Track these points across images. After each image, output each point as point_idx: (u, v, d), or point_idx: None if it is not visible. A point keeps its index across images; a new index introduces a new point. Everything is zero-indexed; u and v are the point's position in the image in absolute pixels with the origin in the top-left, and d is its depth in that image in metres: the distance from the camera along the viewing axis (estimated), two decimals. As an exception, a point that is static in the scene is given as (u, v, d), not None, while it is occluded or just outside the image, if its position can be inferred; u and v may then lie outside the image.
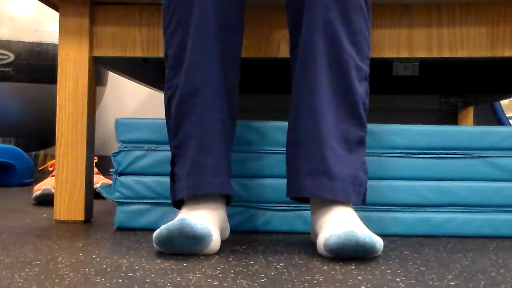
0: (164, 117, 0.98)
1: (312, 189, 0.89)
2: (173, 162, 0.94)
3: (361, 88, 0.91)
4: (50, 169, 1.76)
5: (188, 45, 0.90)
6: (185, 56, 0.90)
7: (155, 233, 0.84)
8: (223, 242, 0.96)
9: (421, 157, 1.09)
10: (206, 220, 0.88)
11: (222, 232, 0.94)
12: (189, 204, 0.91)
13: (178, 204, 0.95)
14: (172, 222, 0.83)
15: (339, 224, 0.85)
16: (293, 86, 0.93)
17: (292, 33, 0.95)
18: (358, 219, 0.88)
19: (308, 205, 1.08)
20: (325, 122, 0.88)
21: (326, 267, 0.79)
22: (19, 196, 1.69)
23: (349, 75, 0.89)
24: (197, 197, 0.92)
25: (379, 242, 0.82)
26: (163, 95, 0.96)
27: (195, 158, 0.90)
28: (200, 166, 0.89)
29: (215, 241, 0.86)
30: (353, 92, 0.90)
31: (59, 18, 1.19)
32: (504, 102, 2.33)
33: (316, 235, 0.91)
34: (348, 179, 0.88)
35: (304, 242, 0.99)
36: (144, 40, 1.18)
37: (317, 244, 0.87)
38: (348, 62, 0.89)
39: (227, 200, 0.96)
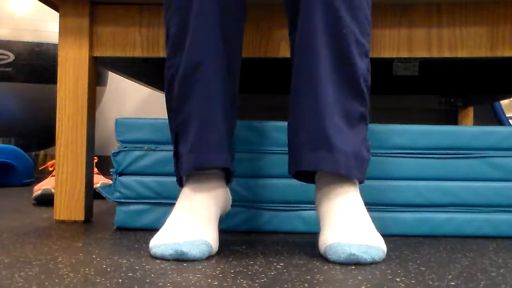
0: (164, 117, 0.97)
1: (313, 162, 0.87)
2: (176, 141, 0.93)
3: (363, 64, 0.89)
4: (50, 169, 1.76)
5: (190, 24, 0.89)
6: (187, 34, 0.89)
7: (152, 246, 0.84)
8: (223, 242, 0.96)
9: (421, 157, 1.09)
10: (205, 225, 0.87)
11: (224, 209, 0.94)
12: (190, 183, 0.91)
13: (182, 182, 0.95)
14: (168, 246, 0.82)
15: (341, 227, 0.84)
16: (292, 63, 0.92)
17: (291, 18, 0.94)
18: (363, 214, 0.87)
19: (308, 205, 1.08)
20: (325, 97, 0.87)
21: (326, 267, 0.79)
22: (19, 196, 1.69)
23: (349, 49, 0.87)
24: (199, 175, 0.92)
25: (379, 254, 0.82)
26: (165, 75, 0.95)
27: (197, 135, 0.89)
28: (201, 142, 0.89)
29: (214, 247, 0.86)
30: (353, 67, 0.88)
31: (59, 18, 1.19)
32: (504, 102, 2.32)
33: (319, 227, 0.90)
34: (350, 153, 0.87)
35: (304, 242, 0.99)
36: (144, 40, 1.18)
37: (318, 245, 0.87)
38: (348, 37, 0.87)
39: (228, 177, 0.96)
